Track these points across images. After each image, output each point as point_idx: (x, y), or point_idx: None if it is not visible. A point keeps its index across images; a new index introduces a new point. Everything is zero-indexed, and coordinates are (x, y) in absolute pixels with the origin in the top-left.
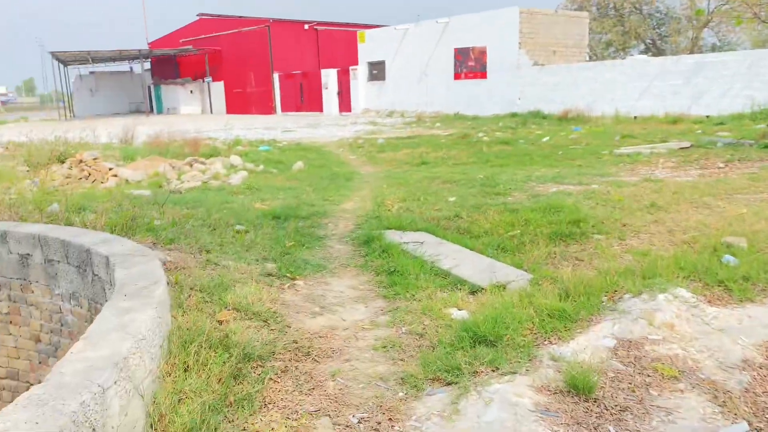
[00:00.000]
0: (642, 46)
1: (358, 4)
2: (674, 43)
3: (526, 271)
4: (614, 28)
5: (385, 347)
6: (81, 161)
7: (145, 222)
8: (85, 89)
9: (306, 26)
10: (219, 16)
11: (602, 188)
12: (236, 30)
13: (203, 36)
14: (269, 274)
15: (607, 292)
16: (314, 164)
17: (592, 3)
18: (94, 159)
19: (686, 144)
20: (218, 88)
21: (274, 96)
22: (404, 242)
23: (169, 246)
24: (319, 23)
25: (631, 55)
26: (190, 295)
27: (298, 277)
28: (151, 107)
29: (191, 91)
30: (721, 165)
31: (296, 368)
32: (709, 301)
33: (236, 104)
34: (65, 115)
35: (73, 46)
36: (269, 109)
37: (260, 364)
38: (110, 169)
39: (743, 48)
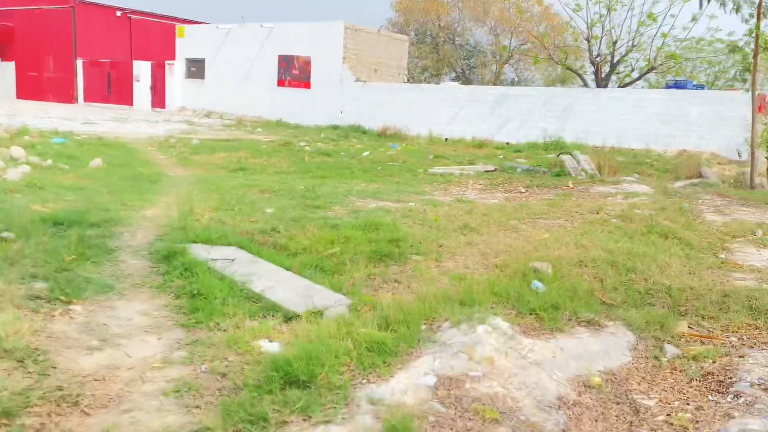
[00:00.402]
0: (453, 74)
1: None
2: (481, 74)
3: (345, 295)
4: (430, 55)
5: (178, 391)
6: None
7: None
8: None
9: (118, 13)
10: None
11: (419, 207)
12: (35, 7)
13: None
14: (37, 297)
15: (426, 318)
16: (116, 162)
17: (411, 29)
18: None
19: (491, 167)
20: (8, 69)
21: (76, 84)
22: (212, 259)
23: None
24: (134, 11)
25: (444, 81)
26: None
27: (75, 300)
28: None
29: None
30: (523, 190)
31: (56, 425)
32: (524, 332)
33: (29, 89)
34: None
35: None
36: (70, 98)
37: (6, 422)
38: None
39: (536, 84)
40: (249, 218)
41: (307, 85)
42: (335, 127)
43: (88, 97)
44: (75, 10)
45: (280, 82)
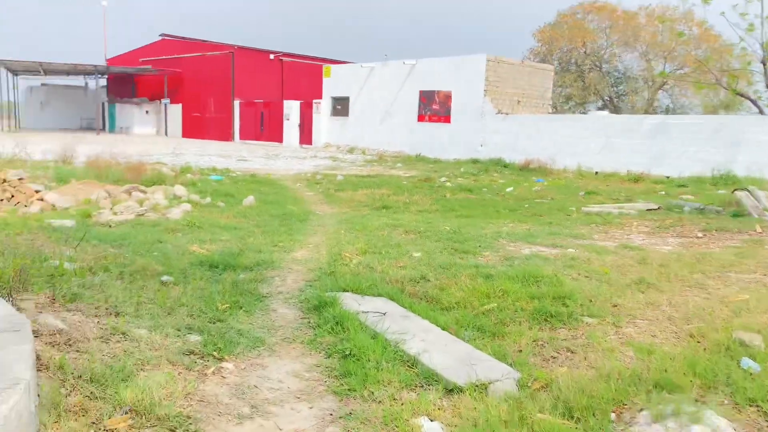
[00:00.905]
0: (600, 102)
1: (325, 39)
2: (631, 102)
3: (511, 365)
4: (574, 83)
5: None
6: (4, 181)
7: (50, 267)
8: (35, 101)
9: (271, 56)
10: (182, 38)
11: (580, 254)
12: (199, 54)
13: (164, 57)
14: (191, 352)
15: (616, 405)
16: (267, 200)
17: (554, 57)
18: (20, 179)
19: (654, 206)
20: (176, 110)
21: (234, 123)
22: (363, 311)
23: (69, 305)
24: (285, 54)
25: (590, 110)
26: (74, 389)
27: (227, 356)
28: (104, 125)
29: (147, 112)
30: (700, 235)
31: None
32: None
33: (193, 128)
34: (10, 127)
35: (28, 53)
36: (227, 136)
37: None
38: (37, 191)
39: (696, 112)
40: (397, 263)
41: (447, 119)
42: (475, 161)
43: (243, 135)
44: (234, 55)
45: (420, 117)
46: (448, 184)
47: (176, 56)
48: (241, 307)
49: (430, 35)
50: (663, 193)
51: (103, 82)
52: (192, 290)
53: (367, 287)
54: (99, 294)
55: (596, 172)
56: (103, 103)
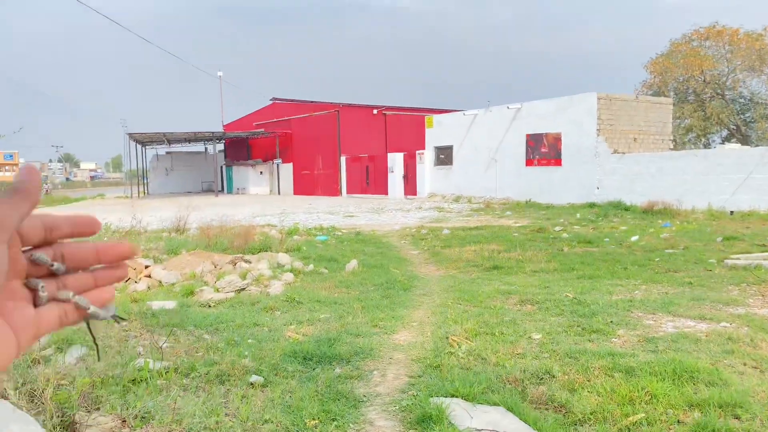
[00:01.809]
0: (725, 132)
1: (427, 89)
2: (761, 129)
3: None
4: (694, 114)
5: None
6: None
7: (133, 370)
8: (161, 168)
9: (375, 111)
10: (291, 100)
11: (739, 331)
12: (307, 114)
13: (275, 120)
14: None
15: None
16: (370, 262)
17: (669, 88)
18: None
19: None
20: (287, 169)
21: (340, 178)
22: (476, 430)
23: (139, 430)
24: (388, 108)
25: (713, 141)
26: None
27: None
28: (222, 187)
29: (261, 172)
30: None
31: None
32: None
33: (303, 185)
34: (139, 194)
35: (158, 125)
36: (335, 191)
37: None
38: (147, 266)
39: None
40: (513, 349)
41: (558, 162)
42: (591, 205)
43: (351, 189)
44: (339, 113)
45: (529, 162)
46: (564, 234)
47: (286, 118)
48: (333, 419)
49: (531, 78)
50: None
51: (221, 146)
52: (280, 395)
53: (480, 391)
54: (172, 414)
55: (731, 212)
56: (221, 167)
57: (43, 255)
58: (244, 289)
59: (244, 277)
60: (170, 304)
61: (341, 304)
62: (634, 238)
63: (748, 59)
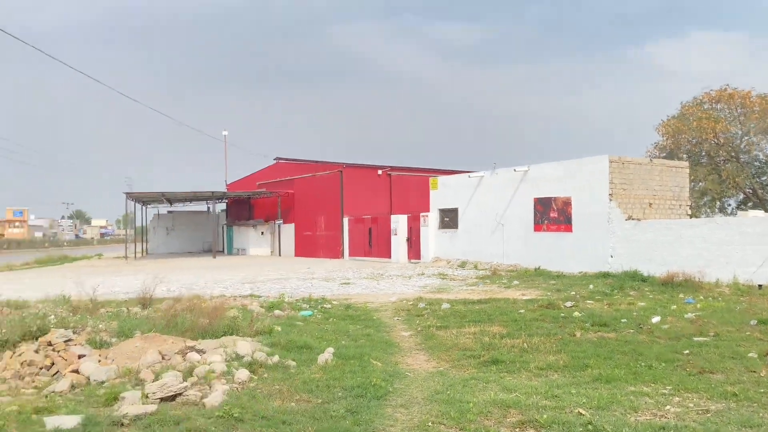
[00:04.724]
0: (741, 196)
1: (434, 149)
2: None
3: None
4: (709, 177)
5: None
6: (49, 344)
7: None
8: (162, 228)
9: (379, 172)
10: (294, 160)
11: None
12: (310, 174)
13: (278, 179)
14: None
15: None
16: (349, 352)
17: (682, 150)
18: (66, 341)
19: None
20: (289, 230)
21: (343, 240)
22: None
23: None
24: (393, 168)
25: (729, 204)
26: None
27: None
28: (223, 247)
29: (262, 233)
30: None
31: None
32: None
33: (305, 247)
34: (135, 254)
35: (166, 182)
36: (337, 253)
37: None
38: (80, 356)
39: None
40: None
41: (568, 228)
42: (605, 275)
43: (353, 252)
44: (342, 173)
45: (537, 227)
46: (576, 312)
47: (289, 178)
48: None
49: (538, 140)
50: None
51: (223, 206)
52: None
53: None
54: None
55: (759, 286)
56: (223, 226)
57: None
58: (179, 394)
59: (189, 374)
60: (72, 422)
61: (290, 424)
62: (655, 320)
63: (762, 122)
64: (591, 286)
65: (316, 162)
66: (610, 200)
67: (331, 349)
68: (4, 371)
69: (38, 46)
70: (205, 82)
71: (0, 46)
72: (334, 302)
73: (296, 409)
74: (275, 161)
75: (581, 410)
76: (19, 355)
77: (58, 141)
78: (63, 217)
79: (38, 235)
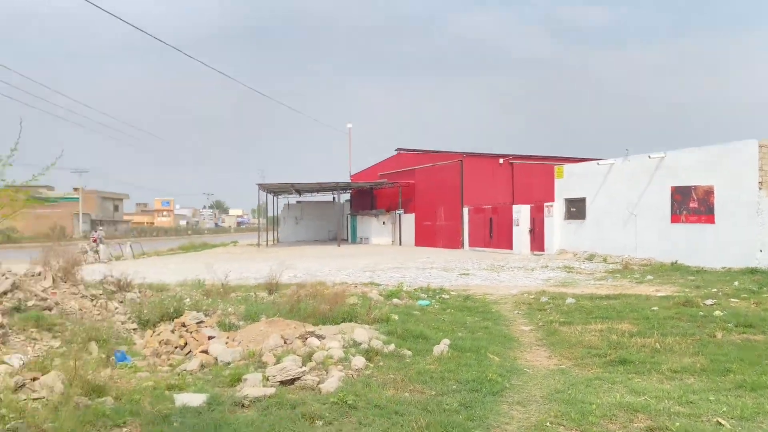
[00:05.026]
0: None
1: (559, 136)
2: None
3: None
4: None
5: None
6: (183, 325)
7: None
8: (291, 217)
9: (501, 160)
10: (415, 150)
11: None
12: (430, 164)
13: (399, 170)
14: None
15: None
16: (465, 345)
17: None
18: (198, 323)
19: None
20: (409, 220)
21: (462, 230)
22: None
23: None
24: (515, 157)
25: None
26: None
27: None
28: (347, 236)
29: (383, 222)
30: None
31: None
32: None
33: (425, 237)
34: (267, 242)
35: (293, 175)
36: (456, 243)
37: None
38: (210, 338)
39: None
40: None
41: (710, 219)
42: (752, 271)
43: (473, 242)
44: (463, 162)
45: (675, 218)
46: (718, 312)
47: (410, 168)
48: None
49: (675, 125)
50: None
51: (347, 196)
52: None
53: None
54: None
55: None
56: (347, 216)
57: None
58: (297, 378)
59: (308, 359)
60: (198, 400)
61: (403, 415)
62: None
63: None
64: (735, 283)
65: (437, 152)
66: (760, 189)
67: (447, 341)
68: (144, 348)
69: (183, 49)
70: (332, 75)
71: (149, 51)
72: (452, 293)
73: (409, 399)
74: (396, 152)
75: (721, 420)
76: (158, 334)
77: (201, 137)
78: (204, 207)
79: (182, 223)
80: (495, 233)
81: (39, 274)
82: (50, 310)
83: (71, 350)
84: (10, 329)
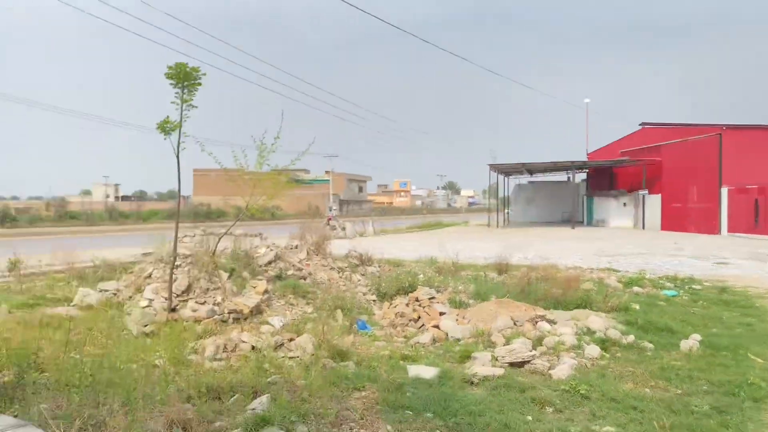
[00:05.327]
0: None
1: None
2: None
3: None
4: None
5: None
6: (417, 300)
7: None
8: (522, 198)
9: None
10: (662, 124)
11: None
12: (680, 139)
13: (642, 147)
14: None
15: None
16: (719, 343)
17: None
18: (430, 299)
19: None
20: (654, 201)
21: (720, 213)
22: None
23: None
24: None
25: None
26: None
27: None
28: (583, 218)
29: (624, 204)
30: None
31: None
32: None
33: (672, 220)
34: (497, 223)
35: (524, 155)
36: (712, 228)
37: None
38: (441, 314)
39: None
40: None
41: None
42: None
43: (732, 227)
44: (721, 136)
45: None
46: None
47: (655, 145)
48: None
49: None
50: None
51: (583, 176)
52: None
53: None
54: None
55: None
56: (582, 197)
57: None
58: (527, 362)
59: (538, 343)
60: (429, 373)
61: (642, 411)
62: None
63: None
64: None
65: (689, 125)
66: None
67: (697, 336)
68: (382, 319)
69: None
70: (562, 51)
71: (385, 40)
72: (705, 283)
73: (650, 396)
74: (640, 127)
75: None
76: (394, 307)
77: (437, 120)
78: (438, 188)
79: (418, 203)
80: (762, 217)
81: (296, 247)
82: (305, 279)
83: (321, 316)
84: (273, 294)
